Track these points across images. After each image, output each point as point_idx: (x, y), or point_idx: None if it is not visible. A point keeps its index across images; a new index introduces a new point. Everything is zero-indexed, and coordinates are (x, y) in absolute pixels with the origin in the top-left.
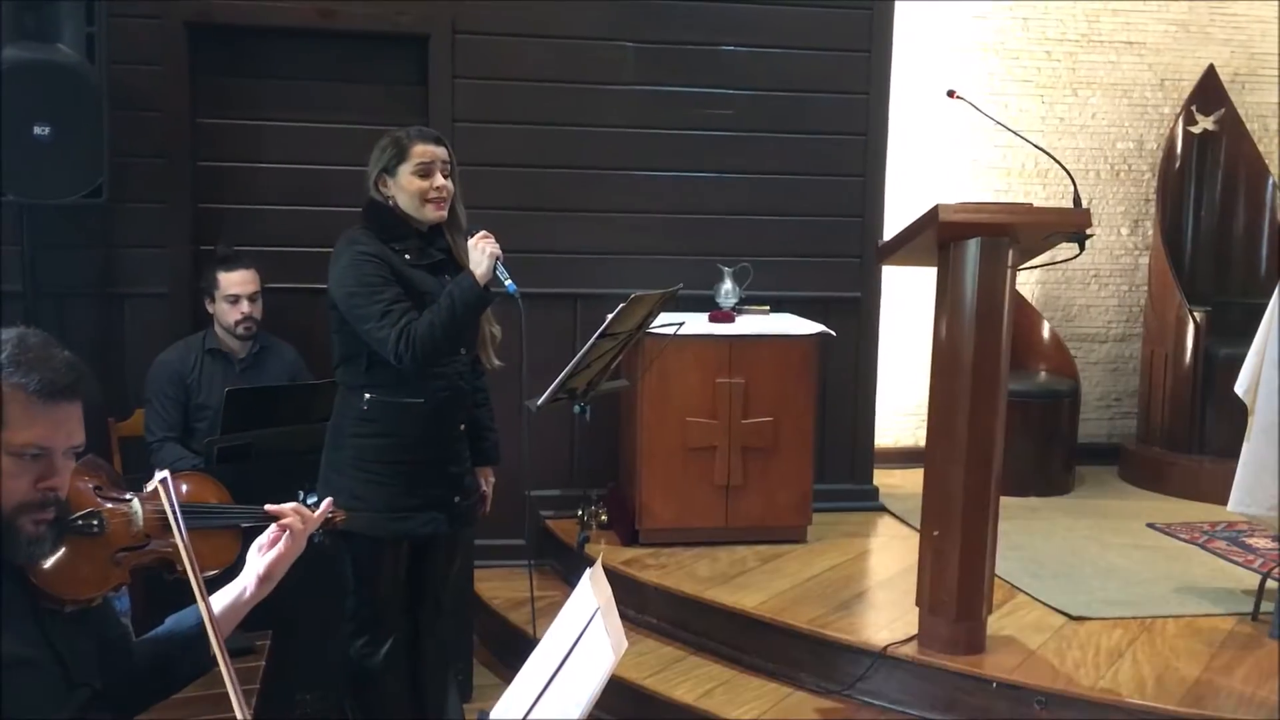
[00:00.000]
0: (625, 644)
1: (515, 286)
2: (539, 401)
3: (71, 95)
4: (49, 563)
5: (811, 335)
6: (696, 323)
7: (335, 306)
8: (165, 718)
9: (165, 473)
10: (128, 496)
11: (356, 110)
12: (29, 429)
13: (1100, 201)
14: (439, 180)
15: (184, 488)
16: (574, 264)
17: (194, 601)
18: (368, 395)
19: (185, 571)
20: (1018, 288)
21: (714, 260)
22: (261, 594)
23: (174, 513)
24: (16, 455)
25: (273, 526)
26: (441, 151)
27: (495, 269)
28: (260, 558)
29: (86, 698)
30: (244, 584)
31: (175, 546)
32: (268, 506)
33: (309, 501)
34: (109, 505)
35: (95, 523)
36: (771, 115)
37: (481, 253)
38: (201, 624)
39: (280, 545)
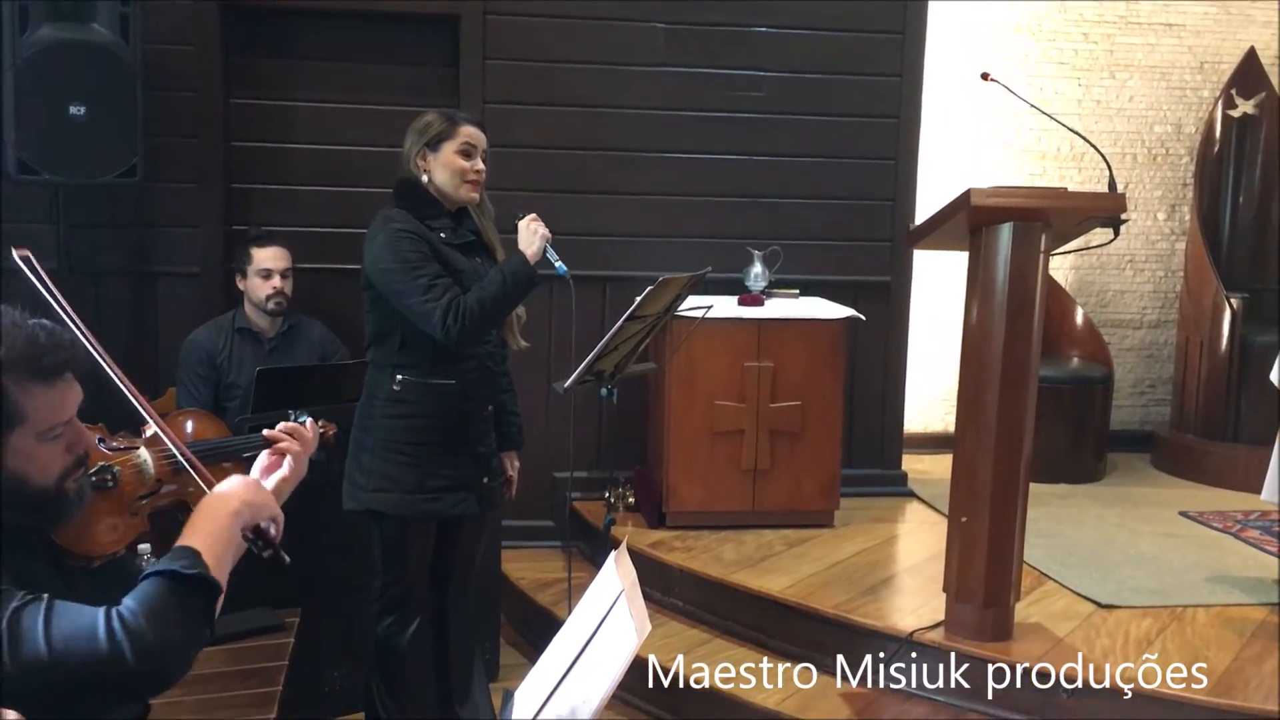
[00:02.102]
0: (649, 627)
1: (565, 268)
2: (566, 383)
3: (106, 75)
4: (71, 524)
5: (841, 319)
6: (725, 306)
7: (370, 286)
8: (191, 697)
9: (24, 250)
10: (134, 446)
11: (387, 91)
12: (48, 414)
13: (1137, 186)
14: (479, 164)
15: (189, 425)
16: (603, 246)
17: None
18: (400, 376)
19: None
20: (1051, 272)
21: (743, 243)
22: None
23: (174, 441)
24: (46, 440)
25: (265, 452)
26: (484, 137)
27: (545, 251)
28: (264, 481)
29: None
30: None
31: (187, 488)
32: (265, 432)
33: (302, 420)
34: (117, 458)
35: (109, 477)
36: (803, 97)
37: (533, 234)
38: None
39: (284, 469)
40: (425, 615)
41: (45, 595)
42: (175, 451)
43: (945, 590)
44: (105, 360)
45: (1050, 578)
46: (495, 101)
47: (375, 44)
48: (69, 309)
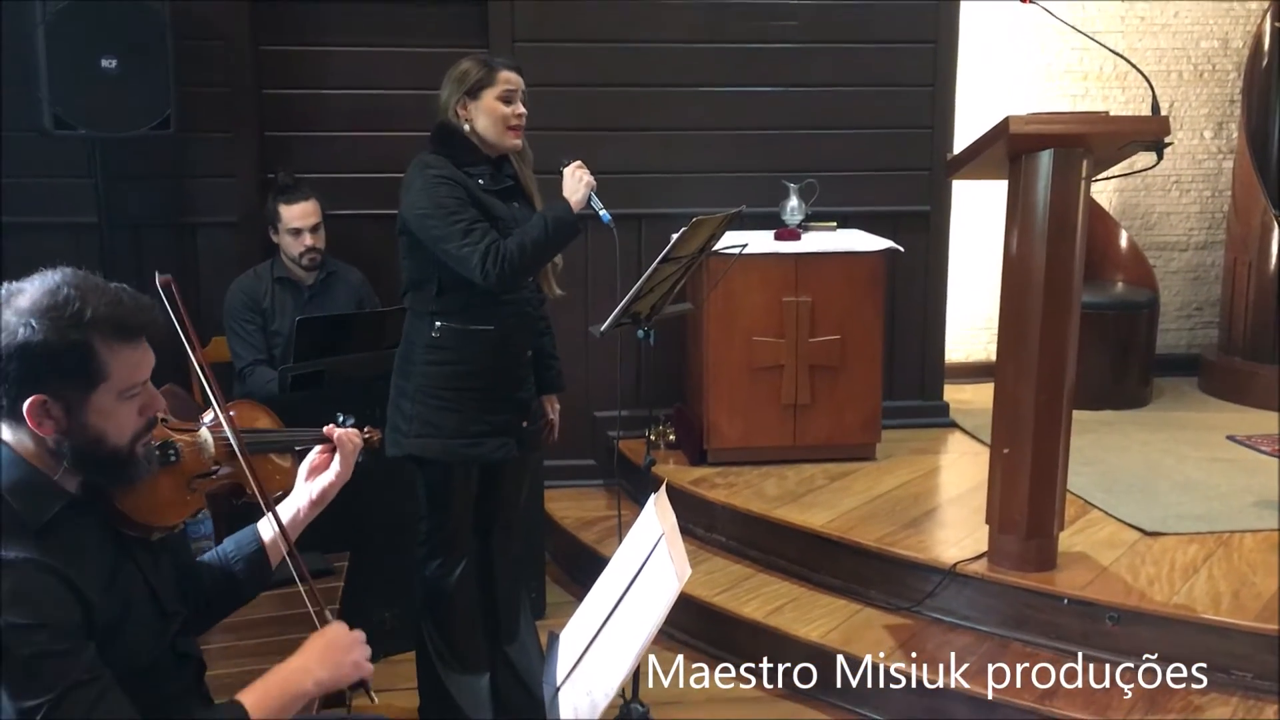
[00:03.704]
0: (689, 571)
1: (609, 216)
2: (602, 327)
3: (137, 27)
4: (136, 494)
5: (879, 251)
6: (762, 241)
7: (406, 231)
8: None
9: (166, 276)
10: (195, 426)
11: (416, 33)
12: (129, 373)
13: (1182, 104)
14: (520, 108)
15: (232, 415)
16: (637, 184)
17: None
18: (438, 323)
19: (254, 494)
20: (1094, 195)
21: (779, 177)
22: (312, 515)
23: (233, 432)
24: (125, 399)
25: (316, 450)
26: (522, 81)
27: (589, 199)
28: (311, 483)
29: (177, 626)
30: (297, 505)
31: (243, 471)
32: (326, 429)
33: (348, 424)
34: (180, 436)
35: (171, 453)
36: (837, 25)
37: (578, 181)
38: (260, 543)
39: (332, 473)
40: (471, 557)
41: (103, 677)
42: (234, 444)
43: (988, 522)
44: (199, 362)
45: (1095, 506)
46: (525, 40)
47: None
48: (196, 343)
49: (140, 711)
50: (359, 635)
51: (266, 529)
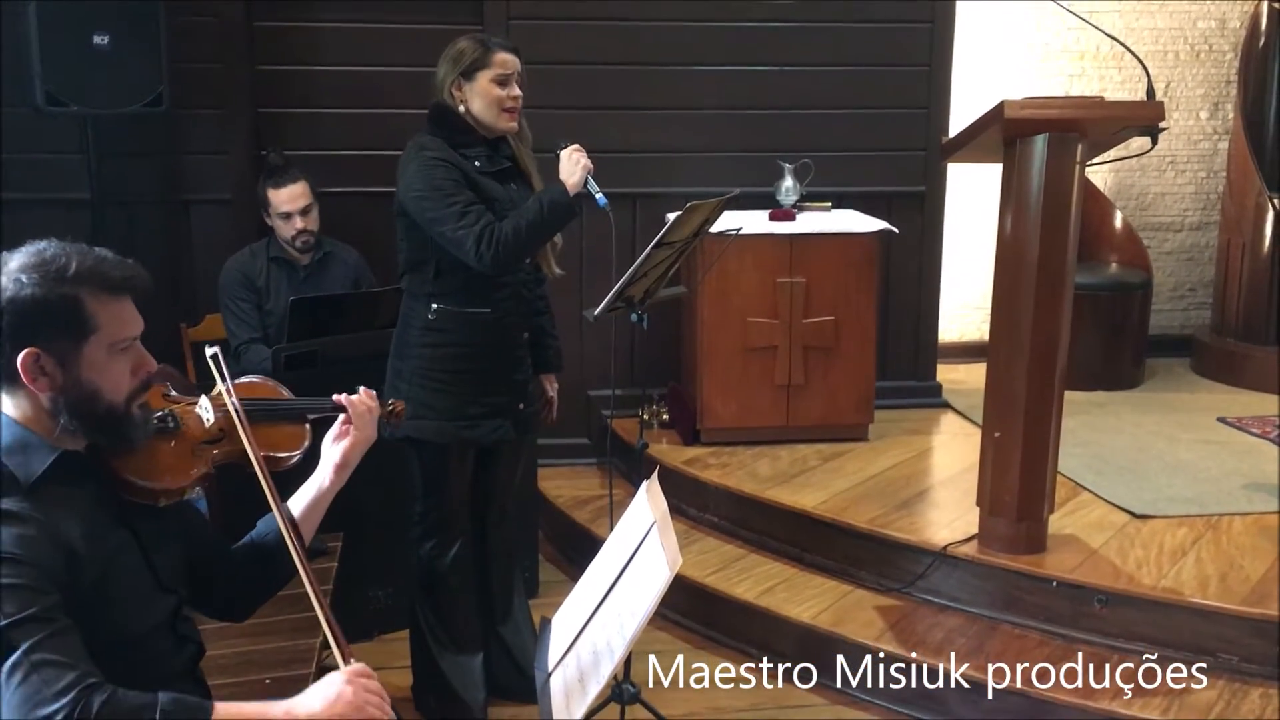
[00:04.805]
0: (680, 560)
1: (606, 200)
2: (596, 311)
3: (129, 3)
4: (135, 457)
5: (874, 232)
6: (757, 221)
7: (404, 213)
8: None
9: (215, 349)
10: (196, 398)
11: (410, 10)
12: (117, 327)
13: (1179, 84)
14: (515, 90)
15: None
16: (632, 163)
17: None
18: (434, 305)
19: (254, 462)
20: (1089, 175)
21: (774, 157)
22: (340, 482)
23: (235, 406)
24: (117, 352)
25: (338, 423)
26: (518, 63)
27: (585, 182)
28: (335, 446)
29: (174, 605)
30: (323, 475)
31: (241, 439)
32: (335, 397)
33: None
34: (178, 405)
35: (170, 420)
36: (833, 4)
37: (575, 164)
38: (291, 517)
39: (349, 436)
40: (466, 538)
41: (58, 620)
42: (233, 409)
43: (979, 504)
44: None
45: (1085, 488)
46: (520, 18)
47: None
48: (249, 431)
49: (137, 688)
50: (376, 692)
51: (297, 504)
